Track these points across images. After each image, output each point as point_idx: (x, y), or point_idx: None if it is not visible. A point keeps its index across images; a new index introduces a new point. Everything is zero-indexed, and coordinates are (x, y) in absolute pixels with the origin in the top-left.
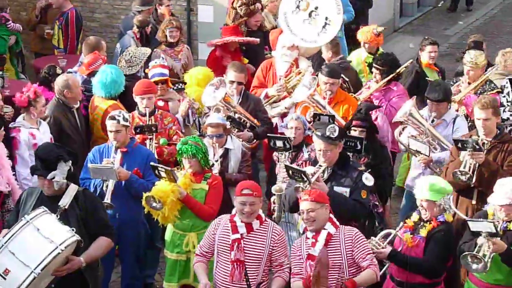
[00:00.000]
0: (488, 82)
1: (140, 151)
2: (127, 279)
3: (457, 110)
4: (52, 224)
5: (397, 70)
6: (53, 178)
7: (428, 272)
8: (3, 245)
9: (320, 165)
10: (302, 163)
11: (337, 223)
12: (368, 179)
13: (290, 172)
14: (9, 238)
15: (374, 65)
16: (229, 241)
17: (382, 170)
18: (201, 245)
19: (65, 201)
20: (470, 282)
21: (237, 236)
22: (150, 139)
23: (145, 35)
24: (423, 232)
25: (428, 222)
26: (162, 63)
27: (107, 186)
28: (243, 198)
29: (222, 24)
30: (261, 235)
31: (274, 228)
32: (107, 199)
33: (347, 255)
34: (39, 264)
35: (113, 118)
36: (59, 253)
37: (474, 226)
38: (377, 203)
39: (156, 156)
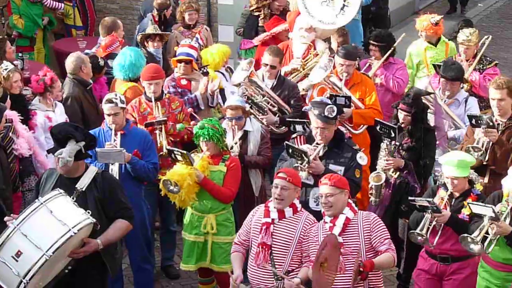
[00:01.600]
0: (484, 57)
1: (137, 133)
2: (137, 262)
3: (470, 89)
4: (66, 207)
5: (394, 45)
6: (60, 154)
7: None
8: (15, 227)
9: (317, 143)
10: (296, 137)
11: (356, 208)
12: (362, 158)
13: (290, 150)
14: (21, 220)
15: (371, 42)
16: (260, 225)
17: (424, 153)
18: (239, 233)
19: (83, 183)
20: (483, 261)
21: (268, 220)
22: (160, 129)
23: (163, 18)
24: (466, 211)
25: (462, 198)
26: (191, 44)
27: (111, 170)
28: (276, 181)
29: (242, 6)
30: (293, 223)
31: (307, 218)
32: None
33: (365, 240)
34: (51, 247)
35: (110, 101)
36: (71, 235)
37: (475, 209)
38: (416, 184)
39: (164, 146)
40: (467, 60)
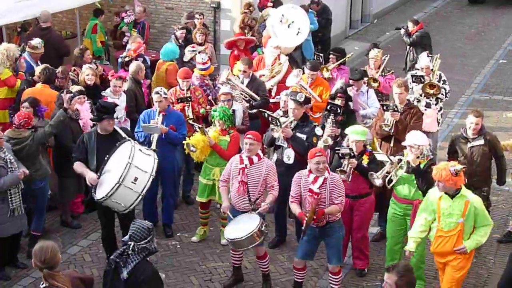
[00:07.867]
0: (385, 68)
1: (173, 114)
2: (166, 196)
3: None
4: (141, 147)
5: (345, 57)
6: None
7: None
8: (130, 163)
9: (290, 118)
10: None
11: (329, 169)
12: (318, 131)
13: (270, 118)
14: (132, 158)
15: (331, 52)
16: (238, 169)
17: (349, 125)
18: (223, 174)
19: (124, 135)
20: (393, 197)
21: (243, 165)
22: (188, 106)
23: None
24: (365, 162)
25: (360, 155)
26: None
27: (153, 138)
28: (246, 140)
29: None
30: (259, 166)
31: (268, 162)
32: (154, 146)
33: (330, 192)
34: (152, 169)
35: (157, 93)
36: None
37: (378, 156)
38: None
39: (190, 115)
40: (374, 69)
